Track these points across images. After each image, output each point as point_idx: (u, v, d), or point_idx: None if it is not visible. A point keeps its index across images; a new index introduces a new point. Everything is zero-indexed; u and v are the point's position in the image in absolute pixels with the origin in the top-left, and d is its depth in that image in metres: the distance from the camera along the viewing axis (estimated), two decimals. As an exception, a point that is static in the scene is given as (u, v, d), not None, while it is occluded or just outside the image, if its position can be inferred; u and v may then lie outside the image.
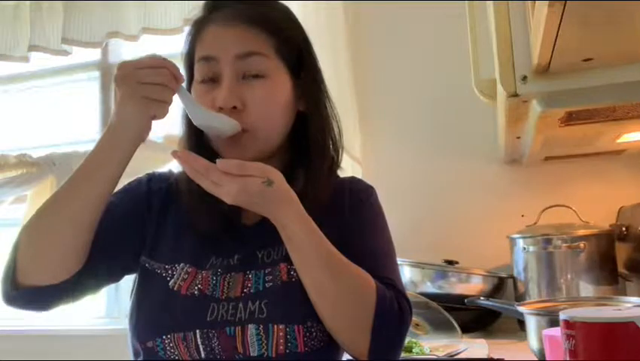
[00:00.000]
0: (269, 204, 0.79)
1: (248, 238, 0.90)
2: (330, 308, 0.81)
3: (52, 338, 2.12)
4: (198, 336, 0.81)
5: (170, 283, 0.85)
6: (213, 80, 0.87)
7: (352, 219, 0.92)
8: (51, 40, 2.22)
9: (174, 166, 0.99)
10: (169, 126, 1.99)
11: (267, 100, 0.87)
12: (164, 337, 0.82)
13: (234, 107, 0.85)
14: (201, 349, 0.81)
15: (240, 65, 0.86)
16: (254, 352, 0.81)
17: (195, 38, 0.91)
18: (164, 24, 2.11)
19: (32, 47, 2.23)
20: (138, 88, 0.78)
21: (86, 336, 2.10)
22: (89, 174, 0.82)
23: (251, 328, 0.81)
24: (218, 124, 0.85)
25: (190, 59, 0.92)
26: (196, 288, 0.84)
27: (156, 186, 0.97)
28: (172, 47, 2.23)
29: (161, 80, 0.79)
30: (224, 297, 0.84)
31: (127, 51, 2.29)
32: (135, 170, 1.01)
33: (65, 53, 2.23)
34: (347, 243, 0.87)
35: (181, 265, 0.87)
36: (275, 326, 0.81)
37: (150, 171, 1.01)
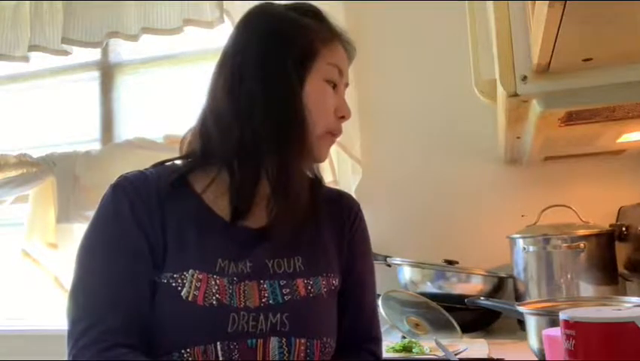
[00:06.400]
0: None
1: (254, 242, 0.87)
2: None
3: (52, 338, 2.11)
4: (219, 348, 0.79)
5: (183, 293, 0.80)
6: (334, 85, 0.93)
7: (355, 248, 0.97)
8: (51, 40, 2.22)
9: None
10: (168, 126, 2.00)
11: None
12: (183, 351, 0.79)
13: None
14: None
15: None
16: None
17: (324, 37, 0.92)
18: (164, 24, 2.10)
19: (32, 47, 2.23)
20: None
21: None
22: None
23: (273, 340, 0.81)
24: None
25: (307, 39, 0.90)
26: (214, 298, 0.81)
27: (141, 194, 0.85)
28: (172, 47, 2.23)
29: None
30: (242, 306, 0.82)
31: (127, 51, 2.30)
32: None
33: (65, 53, 2.22)
34: (349, 273, 0.95)
35: (190, 271, 0.82)
36: (298, 340, 0.82)
37: (119, 179, 0.87)
